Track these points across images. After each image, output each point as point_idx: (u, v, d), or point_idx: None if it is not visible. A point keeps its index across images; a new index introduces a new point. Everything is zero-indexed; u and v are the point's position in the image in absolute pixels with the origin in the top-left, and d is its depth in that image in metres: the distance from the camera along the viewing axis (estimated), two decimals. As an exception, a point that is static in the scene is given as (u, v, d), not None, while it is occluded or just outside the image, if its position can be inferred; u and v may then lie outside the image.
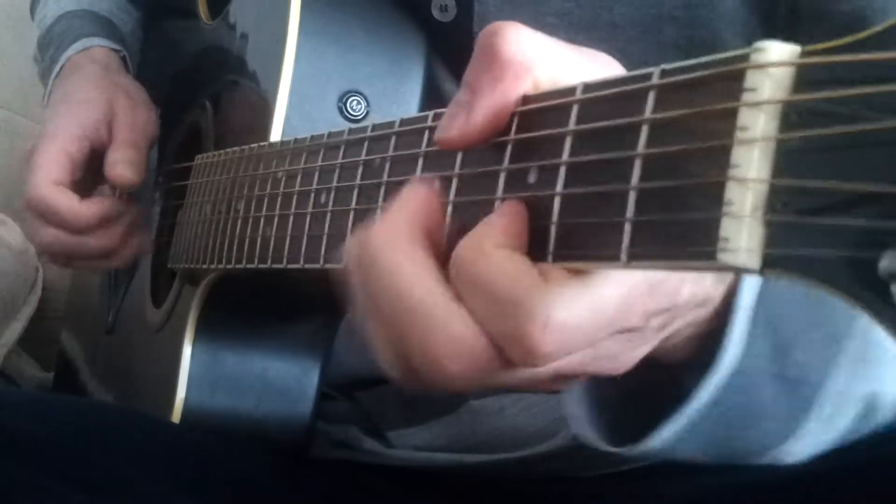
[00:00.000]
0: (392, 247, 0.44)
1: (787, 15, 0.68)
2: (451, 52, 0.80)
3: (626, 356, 0.45)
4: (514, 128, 0.45)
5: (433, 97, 0.79)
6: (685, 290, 0.45)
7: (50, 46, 1.04)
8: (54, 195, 0.92)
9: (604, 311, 0.41)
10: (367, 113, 0.78)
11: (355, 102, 0.78)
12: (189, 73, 1.03)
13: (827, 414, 0.51)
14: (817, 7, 0.66)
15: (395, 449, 0.85)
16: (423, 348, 0.43)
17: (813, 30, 0.66)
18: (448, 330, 0.42)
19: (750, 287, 0.47)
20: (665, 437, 0.49)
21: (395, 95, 0.79)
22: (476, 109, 0.45)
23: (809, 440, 0.52)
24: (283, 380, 0.85)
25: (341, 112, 0.77)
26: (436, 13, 0.79)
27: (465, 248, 0.43)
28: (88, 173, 0.95)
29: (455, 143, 0.46)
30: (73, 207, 0.92)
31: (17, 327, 1.30)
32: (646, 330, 0.44)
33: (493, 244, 0.42)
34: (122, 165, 0.93)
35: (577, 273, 0.41)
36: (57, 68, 1.01)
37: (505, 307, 0.40)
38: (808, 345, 0.50)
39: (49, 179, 0.92)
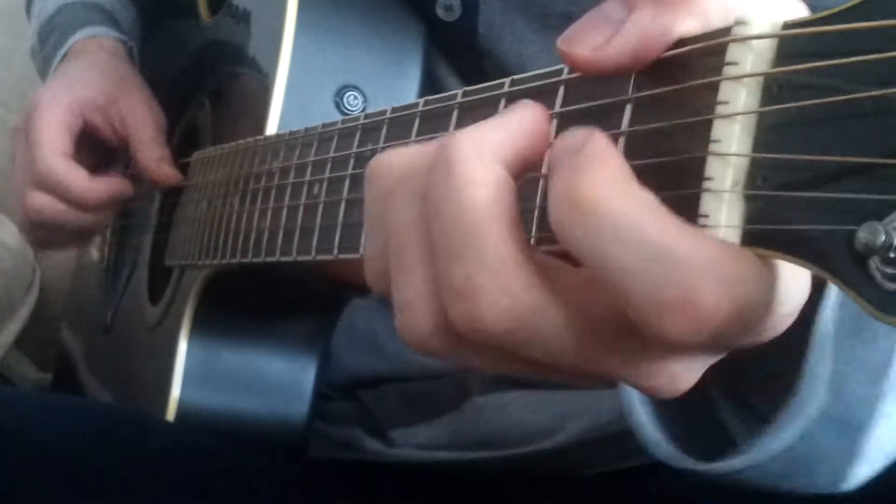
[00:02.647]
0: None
1: None
2: (454, 51, 0.80)
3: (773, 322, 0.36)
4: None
5: (431, 93, 0.79)
6: None
7: (52, 34, 1.04)
8: (67, 170, 0.91)
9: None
10: (364, 108, 0.78)
11: (352, 97, 0.77)
12: (188, 70, 1.04)
13: (877, 448, 0.46)
14: None
15: (398, 448, 0.85)
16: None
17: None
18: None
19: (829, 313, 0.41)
20: (743, 461, 0.45)
21: (393, 91, 0.79)
22: (627, 31, 0.35)
23: (862, 474, 0.47)
24: (279, 377, 0.84)
25: (338, 107, 0.77)
26: (440, 12, 0.78)
27: (595, 186, 0.33)
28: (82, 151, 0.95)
29: (580, 62, 0.36)
30: (86, 184, 0.91)
31: (14, 328, 1.30)
32: None
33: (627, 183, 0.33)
34: (162, 163, 0.93)
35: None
36: (61, 53, 1.01)
37: (672, 265, 0.31)
38: (858, 380, 0.44)
39: (60, 151, 0.91)
